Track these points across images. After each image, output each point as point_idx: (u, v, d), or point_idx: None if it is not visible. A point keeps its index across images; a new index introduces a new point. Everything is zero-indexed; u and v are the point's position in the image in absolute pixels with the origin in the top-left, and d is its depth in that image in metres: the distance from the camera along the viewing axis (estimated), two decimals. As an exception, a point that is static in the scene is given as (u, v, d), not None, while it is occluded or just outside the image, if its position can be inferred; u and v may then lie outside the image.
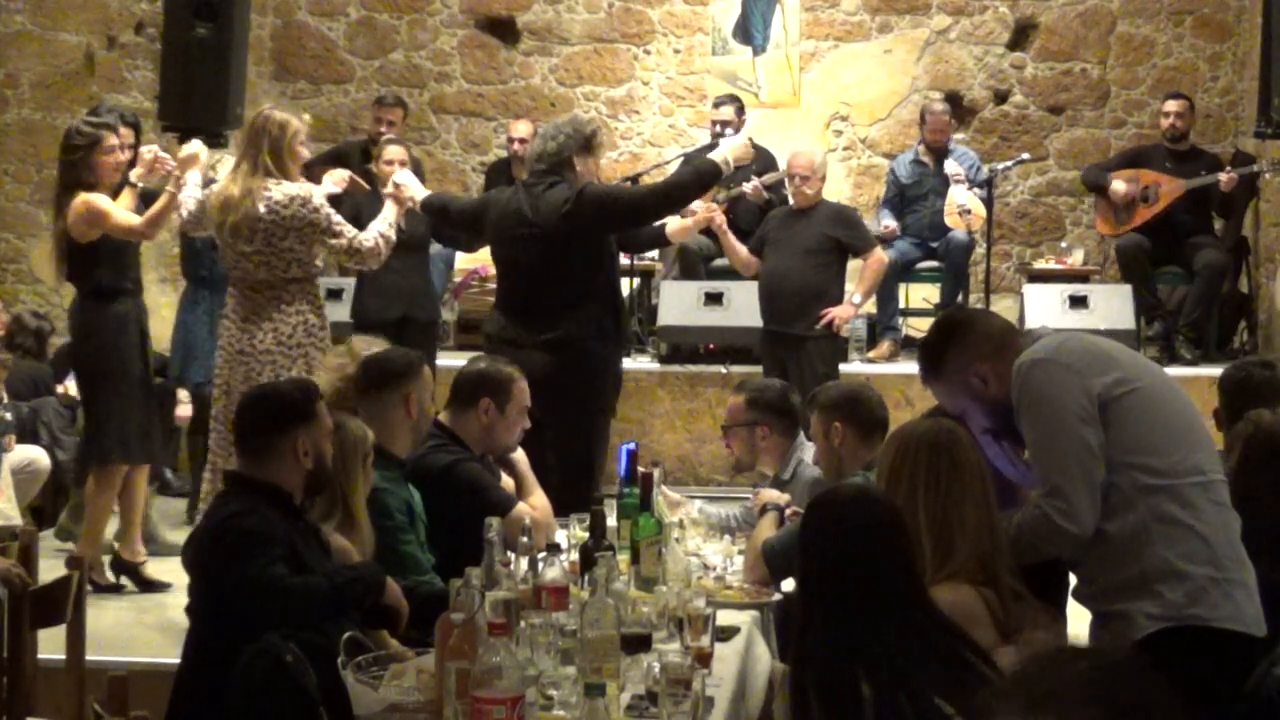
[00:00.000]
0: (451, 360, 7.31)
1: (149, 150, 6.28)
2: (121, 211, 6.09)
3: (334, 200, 6.12)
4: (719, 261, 8.87)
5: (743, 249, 7.81)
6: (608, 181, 10.13)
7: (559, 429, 5.66)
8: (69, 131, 6.17)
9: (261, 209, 5.55)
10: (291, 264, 5.63)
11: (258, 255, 5.60)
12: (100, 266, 6.13)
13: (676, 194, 6.09)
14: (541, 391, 5.55)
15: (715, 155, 5.98)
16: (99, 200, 6.02)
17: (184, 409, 7.74)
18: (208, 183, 6.28)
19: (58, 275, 6.35)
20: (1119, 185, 9.12)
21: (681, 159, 9.46)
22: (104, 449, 6.17)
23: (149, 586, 6.22)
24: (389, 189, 6.21)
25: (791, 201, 7.80)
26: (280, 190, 5.59)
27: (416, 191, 6.23)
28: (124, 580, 6.28)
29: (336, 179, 6.67)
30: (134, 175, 6.22)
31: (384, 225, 5.88)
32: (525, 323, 5.81)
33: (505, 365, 4.93)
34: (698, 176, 6.00)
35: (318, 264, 5.82)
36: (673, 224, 6.82)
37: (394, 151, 7.59)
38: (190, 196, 5.99)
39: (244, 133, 5.81)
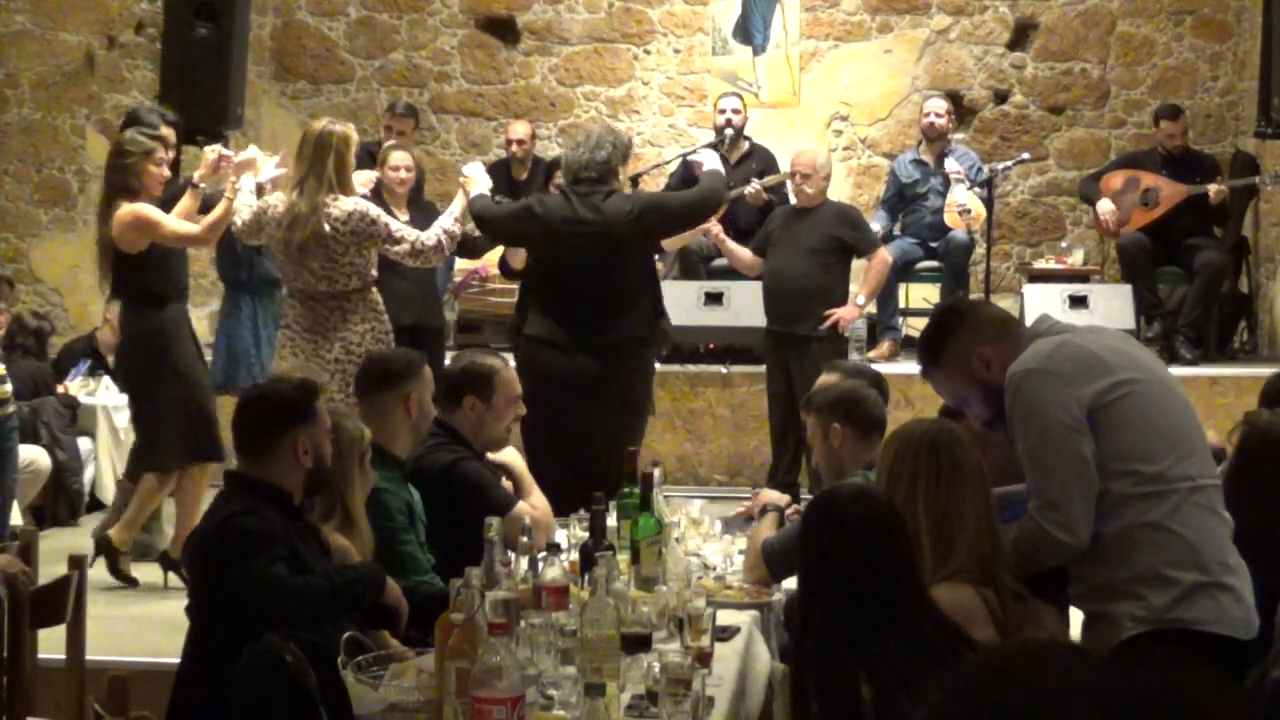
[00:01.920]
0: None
1: (212, 150, 6.30)
2: (174, 220, 6.08)
3: None
4: (719, 261, 8.87)
5: (744, 252, 7.84)
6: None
7: (610, 430, 5.71)
8: (123, 138, 6.17)
9: (327, 227, 5.63)
10: (352, 276, 5.74)
11: (320, 269, 5.69)
12: (149, 274, 6.12)
13: (717, 201, 6.32)
14: (593, 394, 5.71)
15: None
16: (149, 210, 6.01)
17: None
18: (190, 186, 6.27)
19: (102, 283, 6.37)
20: (1103, 206, 9.11)
21: (680, 159, 9.48)
22: (161, 453, 6.23)
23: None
24: (460, 177, 6.24)
25: (793, 200, 7.80)
26: (338, 206, 5.68)
27: (479, 187, 6.17)
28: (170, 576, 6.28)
29: (364, 179, 6.68)
30: (198, 176, 6.26)
31: (449, 221, 5.96)
32: (576, 326, 5.87)
33: (488, 358, 4.93)
34: (726, 186, 6.26)
35: (373, 272, 5.85)
36: None
37: (399, 157, 7.55)
38: (244, 204, 6.00)
39: (307, 147, 5.84)
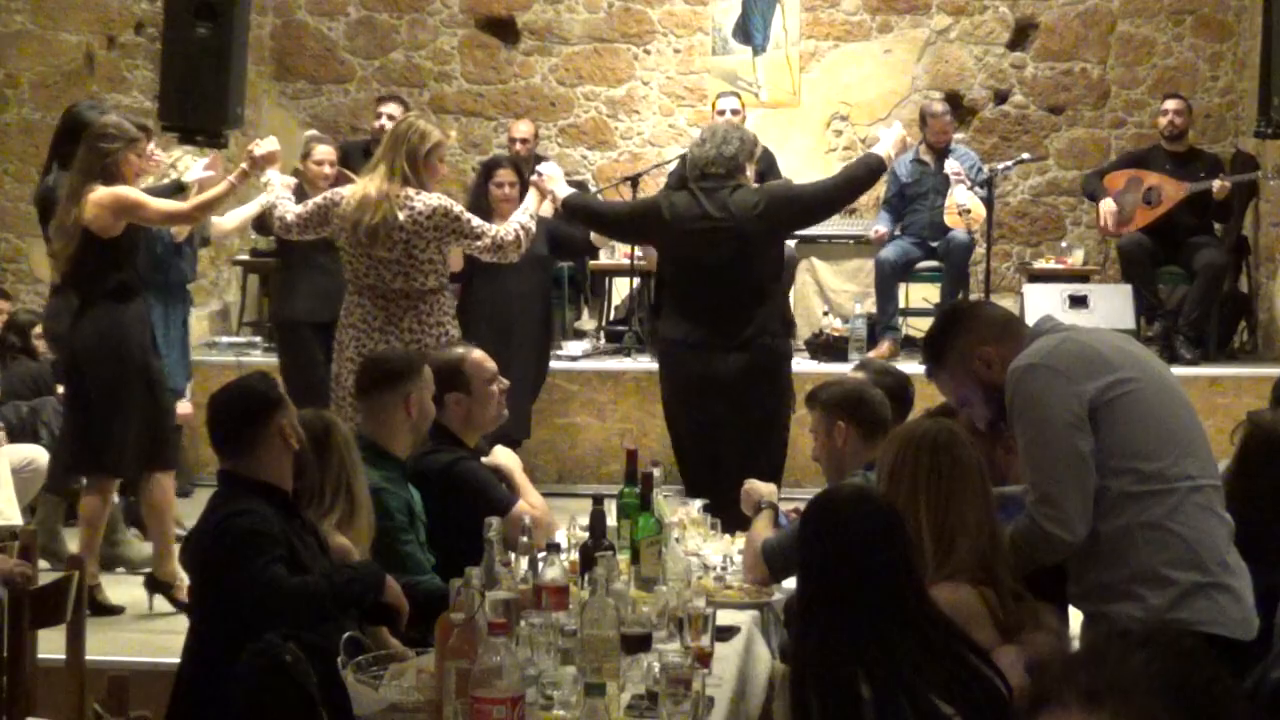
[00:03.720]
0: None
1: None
2: (159, 200, 5.89)
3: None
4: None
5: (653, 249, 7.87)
6: (610, 183, 10.16)
7: (749, 428, 5.71)
8: (106, 122, 5.88)
9: (402, 216, 5.55)
10: (430, 274, 5.67)
11: (396, 265, 5.62)
12: (119, 265, 5.86)
13: (853, 188, 6.18)
14: (733, 392, 5.68)
15: (879, 149, 6.08)
16: (131, 191, 5.77)
17: (183, 407, 7.65)
18: (179, 188, 6.19)
19: (56, 268, 5.96)
20: (1105, 205, 9.11)
21: (680, 159, 9.47)
22: (122, 461, 5.81)
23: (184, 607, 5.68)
24: (534, 176, 6.10)
25: None
26: (422, 201, 5.61)
27: (559, 188, 6.09)
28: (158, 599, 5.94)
29: (287, 183, 6.60)
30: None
31: (525, 216, 5.88)
32: (711, 325, 5.80)
33: (449, 350, 4.91)
34: (869, 171, 6.07)
35: (448, 271, 5.78)
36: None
37: (324, 152, 7.44)
38: (282, 199, 5.88)
39: (387, 136, 5.84)
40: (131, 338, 5.86)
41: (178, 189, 6.16)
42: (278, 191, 5.94)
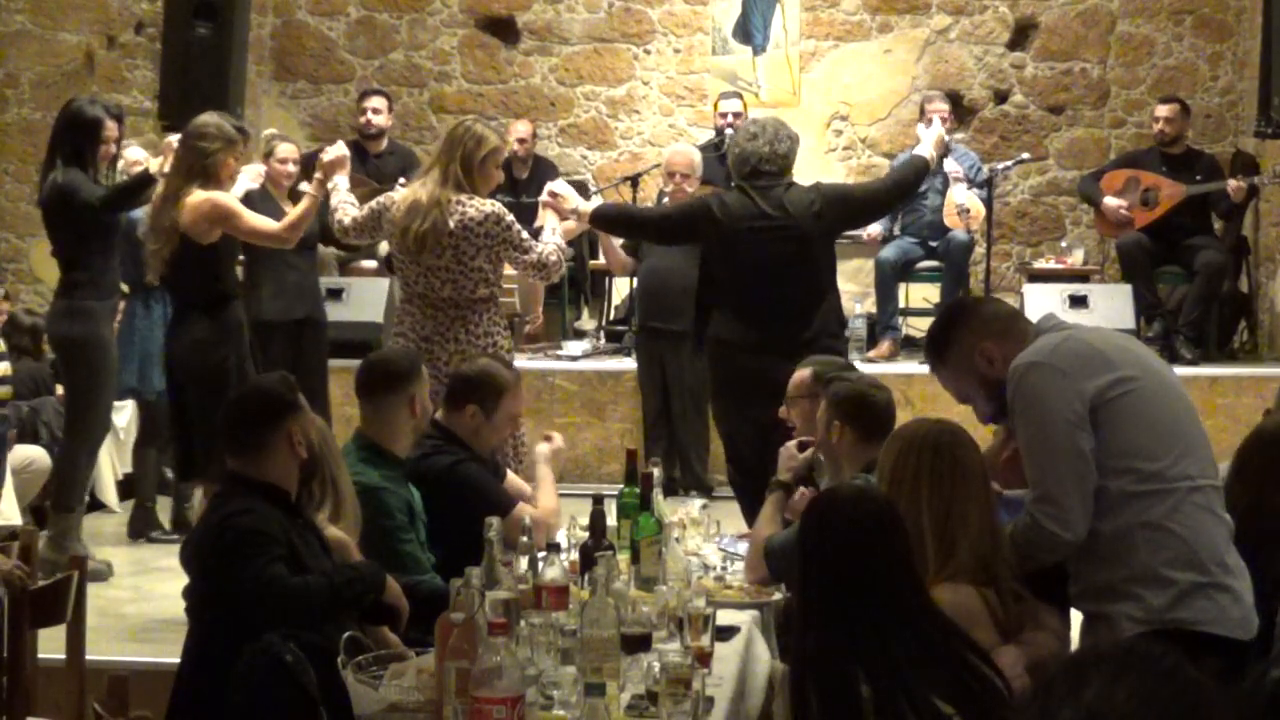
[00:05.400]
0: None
1: (174, 139, 6.16)
2: (254, 215, 5.84)
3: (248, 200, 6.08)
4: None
5: (620, 251, 7.85)
6: (610, 183, 10.16)
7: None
8: (206, 123, 5.79)
9: (452, 223, 5.46)
10: (479, 283, 5.55)
11: (445, 272, 5.52)
12: (218, 273, 5.81)
13: (902, 190, 6.28)
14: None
15: (922, 150, 6.15)
16: (228, 200, 5.71)
17: None
18: (147, 180, 6.12)
19: (155, 272, 5.89)
20: (1110, 201, 9.10)
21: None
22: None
23: None
24: (544, 198, 5.96)
25: (667, 201, 7.84)
26: (474, 207, 5.51)
27: (579, 202, 5.98)
28: None
29: (254, 175, 6.51)
30: (154, 167, 6.06)
31: (558, 238, 5.75)
32: (767, 326, 5.69)
33: (503, 370, 4.86)
34: (916, 173, 6.15)
35: (500, 282, 5.70)
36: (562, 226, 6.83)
37: (286, 150, 7.36)
38: (346, 203, 5.81)
39: (443, 139, 5.73)
40: (229, 345, 5.80)
41: (146, 181, 6.08)
42: (340, 196, 5.87)
